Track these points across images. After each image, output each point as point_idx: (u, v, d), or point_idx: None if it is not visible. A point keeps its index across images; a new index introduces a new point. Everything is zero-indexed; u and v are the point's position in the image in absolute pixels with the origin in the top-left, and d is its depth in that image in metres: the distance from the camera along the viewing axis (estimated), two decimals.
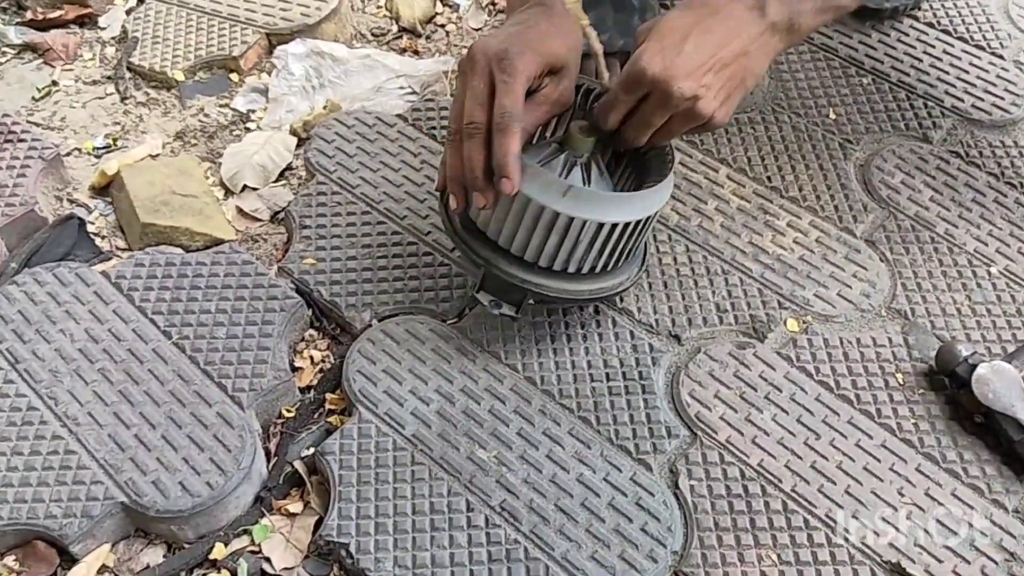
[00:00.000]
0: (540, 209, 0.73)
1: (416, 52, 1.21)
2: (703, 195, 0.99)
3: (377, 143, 1.04)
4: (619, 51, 1.03)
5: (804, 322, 0.90)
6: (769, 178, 1.01)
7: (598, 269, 0.79)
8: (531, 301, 0.78)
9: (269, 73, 1.17)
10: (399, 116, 1.06)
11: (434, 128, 1.05)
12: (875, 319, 0.90)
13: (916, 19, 1.17)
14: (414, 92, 1.15)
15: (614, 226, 0.75)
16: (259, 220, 1.02)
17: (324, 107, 1.11)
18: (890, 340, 0.89)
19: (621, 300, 0.90)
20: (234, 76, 1.16)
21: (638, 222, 0.76)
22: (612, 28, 1.02)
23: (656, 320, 0.90)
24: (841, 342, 0.88)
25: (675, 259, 0.94)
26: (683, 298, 0.91)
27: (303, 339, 0.91)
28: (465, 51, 0.73)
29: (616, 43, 1.02)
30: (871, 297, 0.92)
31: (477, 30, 1.23)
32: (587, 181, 0.77)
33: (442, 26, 1.24)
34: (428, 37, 1.23)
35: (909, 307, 0.91)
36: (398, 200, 0.98)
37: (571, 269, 0.77)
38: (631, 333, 0.89)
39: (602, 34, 1.01)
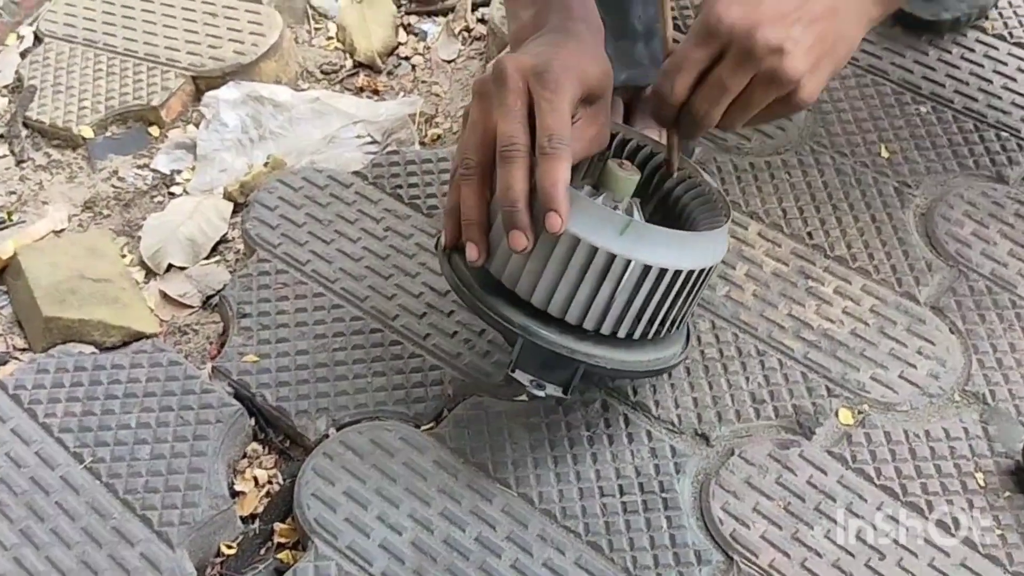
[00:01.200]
0: (591, 252, 0.74)
1: (376, 92, 1.25)
2: (730, 258, 1.01)
3: (331, 208, 1.06)
4: (621, 86, 1.07)
5: (859, 412, 0.92)
6: (810, 234, 1.04)
7: (651, 333, 0.80)
8: (579, 379, 0.79)
9: (197, 125, 1.20)
10: (356, 174, 1.09)
11: (399, 187, 1.08)
12: (947, 406, 0.92)
13: (983, 31, 1.21)
14: (374, 142, 1.18)
15: (678, 274, 0.77)
16: (188, 307, 1.05)
17: (265, 164, 1.14)
18: (966, 431, 0.91)
19: (635, 392, 0.92)
20: (154, 130, 1.19)
21: (703, 272, 0.79)
22: (612, 59, 1.06)
23: (678, 416, 0.91)
24: (906, 436, 0.90)
25: (699, 339, 0.96)
26: (710, 387, 0.93)
27: (245, 456, 0.93)
28: (490, 67, 0.76)
29: (618, 76, 1.06)
30: (940, 378, 0.94)
31: (449, 62, 1.28)
32: None
33: (406, 59, 1.29)
34: (390, 73, 1.27)
35: (988, 389, 0.93)
36: (357, 278, 1.01)
37: (621, 332, 0.79)
38: (648, 434, 0.90)
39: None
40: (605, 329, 0.78)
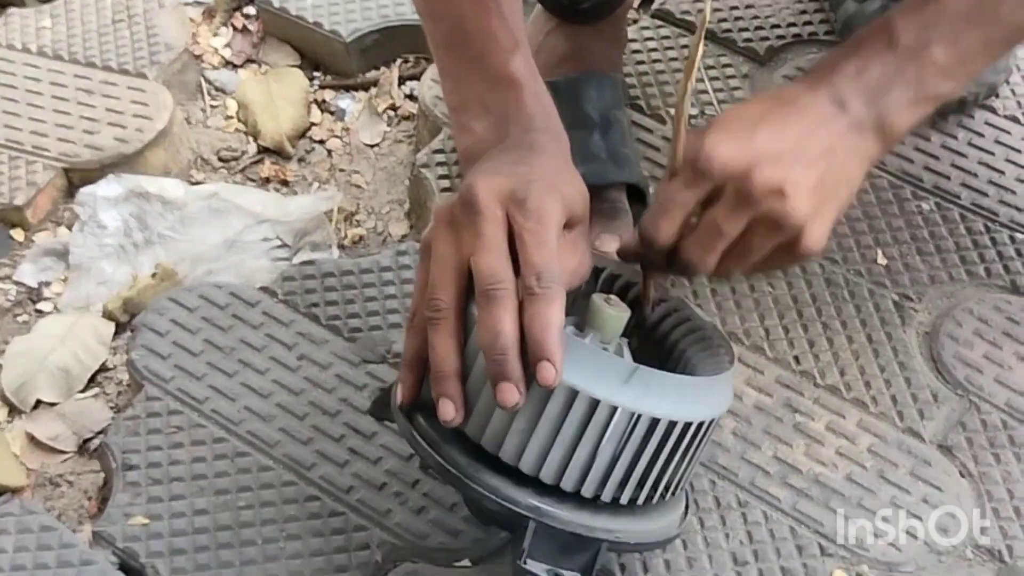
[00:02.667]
0: (592, 405, 0.77)
1: (285, 183, 1.29)
2: None
3: (233, 333, 1.10)
4: None
5: (858, 574, 0.96)
6: (797, 358, 1.08)
7: (656, 497, 0.83)
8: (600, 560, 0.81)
9: (70, 227, 1.22)
10: (264, 290, 1.13)
11: (315, 306, 1.11)
12: (958, 564, 0.96)
13: (993, 111, 1.27)
14: (284, 245, 1.22)
15: (688, 428, 0.80)
16: (61, 452, 1.07)
17: (153, 276, 1.17)
18: None
19: (620, 556, 0.95)
20: (18, 233, 1.22)
21: (712, 423, 0.83)
22: None
23: None
24: None
25: None
26: (684, 547, 0.96)
27: None
28: (458, 193, 0.79)
29: None
30: (950, 532, 0.98)
31: (372, 146, 1.33)
32: None
33: (321, 142, 1.33)
34: (301, 159, 1.32)
35: (1005, 544, 0.97)
36: (266, 419, 1.04)
37: (623, 498, 0.82)
38: None
39: None
40: (605, 495, 0.82)
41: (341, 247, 1.22)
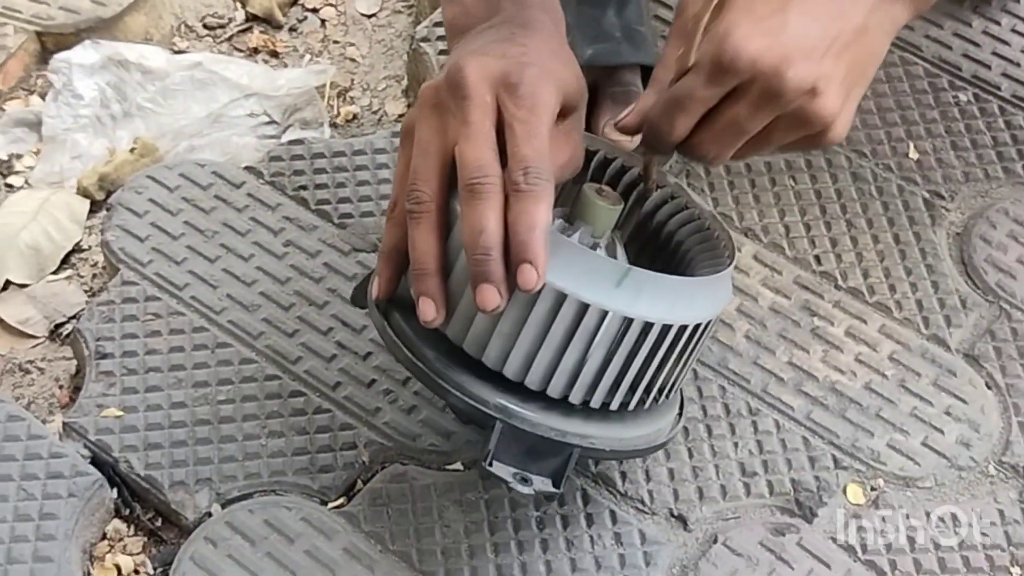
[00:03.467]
0: (581, 309, 0.76)
1: (274, 54, 1.26)
2: None
3: (216, 215, 1.07)
4: (585, 66, 1.09)
5: (872, 489, 0.95)
6: (818, 258, 1.06)
7: (648, 402, 0.83)
8: (574, 464, 0.81)
9: (43, 96, 1.20)
10: (250, 170, 1.11)
11: (303, 188, 1.09)
12: (979, 481, 0.95)
13: None
14: (272, 121, 1.19)
15: (683, 331, 0.79)
16: (32, 338, 1.06)
17: (131, 151, 1.15)
18: (1002, 514, 0.93)
19: (596, 464, 0.95)
20: None
21: (708, 324, 0.82)
22: (573, 30, 1.08)
23: (650, 493, 0.94)
24: (928, 519, 0.93)
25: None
26: (690, 456, 0.96)
27: (105, 537, 0.94)
28: (444, 71, 0.77)
29: (582, 51, 1.08)
30: (973, 447, 0.97)
31: (369, 16, 1.29)
32: None
33: (314, 11, 1.29)
34: (293, 29, 1.28)
35: None
36: (250, 308, 1.02)
37: (614, 404, 0.81)
38: (612, 515, 0.92)
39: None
40: (595, 402, 0.80)
41: (333, 126, 1.19)
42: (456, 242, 0.77)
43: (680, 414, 0.89)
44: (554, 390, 0.79)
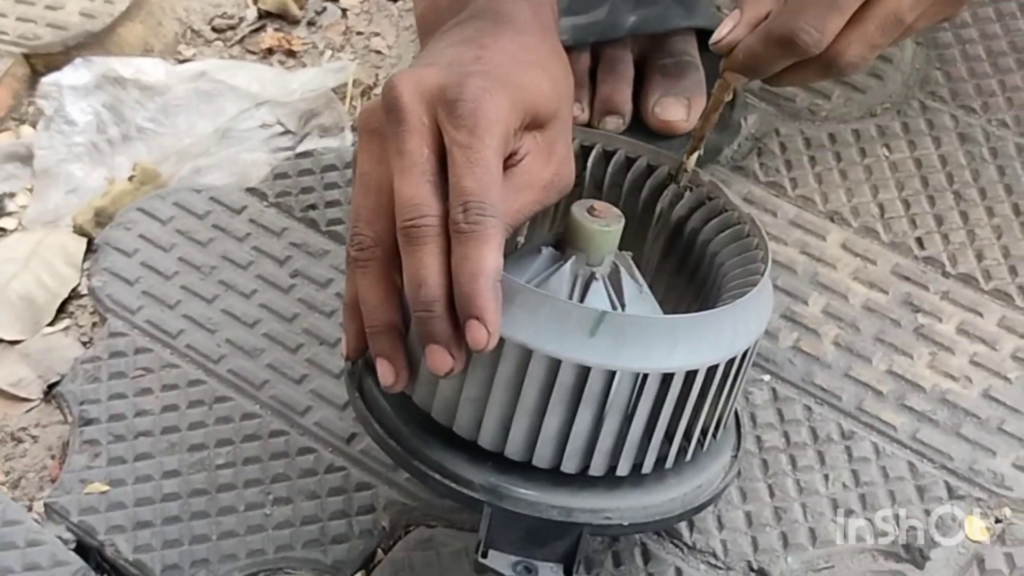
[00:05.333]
0: (552, 366, 0.70)
1: (291, 53, 1.20)
2: (800, 287, 0.96)
3: (214, 248, 1.03)
4: (629, 35, 1.02)
5: (997, 521, 0.87)
6: (920, 241, 1.00)
7: (669, 460, 0.77)
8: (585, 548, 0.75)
9: (34, 125, 1.16)
10: (252, 192, 1.06)
11: (312, 208, 1.04)
12: None
13: None
14: (287, 131, 1.14)
15: (693, 376, 0.73)
16: (27, 401, 1.00)
17: (130, 179, 1.10)
18: None
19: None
20: None
21: (730, 363, 0.75)
22: None
23: (723, 544, 0.86)
24: None
25: (753, 418, 0.91)
26: (770, 495, 0.88)
27: None
28: (379, 91, 0.72)
29: (623, 19, 1.01)
30: None
31: (396, 0, 1.22)
32: (618, 304, 0.77)
33: (334, 0, 1.24)
34: (311, 23, 1.23)
35: None
36: (252, 354, 0.97)
37: (621, 469, 0.75)
38: (678, 573, 0.85)
39: (593, 8, 0.99)
40: (595, 468, 0.74)
41: (355, 130, 1.12)
42: None
43: (736, 455, 0.82)
44: (540, 460, 0.73)
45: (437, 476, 0.73)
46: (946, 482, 0.88)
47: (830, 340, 0.94)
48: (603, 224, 0.75)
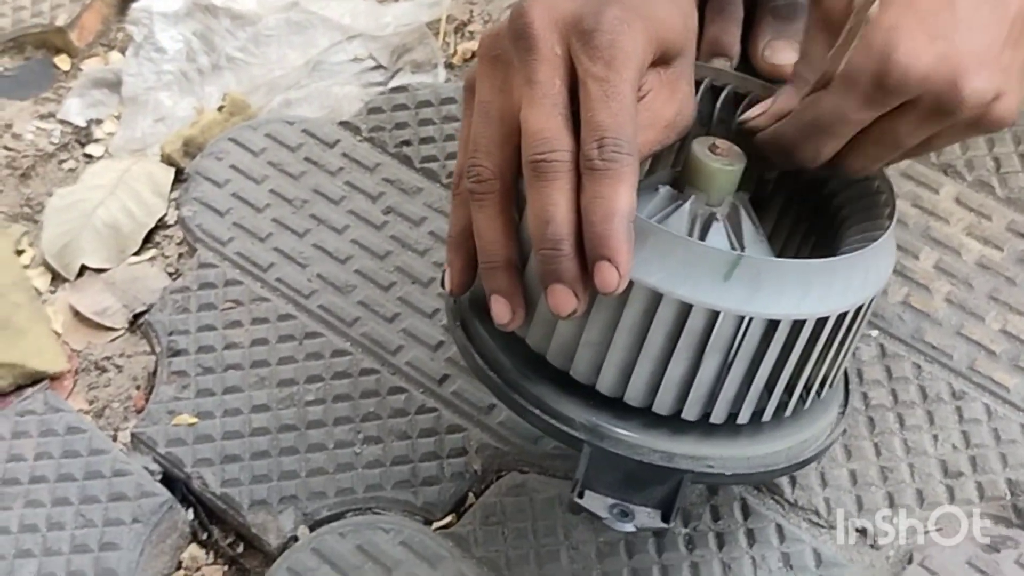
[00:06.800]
0: (682, 311, 0.68)
1: None
2: (911, 241, 0.96)
3: (306, 180, 1.02)
4: None
5: None
6: None
7: (788, 410, 0.75)
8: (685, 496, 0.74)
9: (123, 52, 1.16)
10: (345, 125, 1.05)
11: (406, 144, 1.03)
12: None
13: None
14: (379, 66, 1.13)
15: (822, 323, 0.72)
16: (110, 330, 1.00)
17: (220, 108, 1.10)
18: None
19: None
20: (63, 61, 1.17)
21: (858, 310, 0.73)
22: None
23: (826, 502, 0.85)
24: None
25: (860, 375, 0.90)
26: (877, 454, 0.87)
27: (180, 567, 0.88)
28: (508, 18, 0.69)
29: None
30: None
31: None
32: (737, 245, 0.75)
33: None
34: None
35: None
36: (343, 290, 0.96)
37: (742, 417, 0.74)
38: (779, 530, 0.84)
39: None
40: (716, 416, 0.72)
41: (449, 67, 1.12)
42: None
43: (844, 412, 0.80)
44: (661, 407, 0.71)
45: (537, 411, 0.72)
46: None
47: (942, 297, 0.92)
48: (726, 163, 0.73)
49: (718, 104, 0.80)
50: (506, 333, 0.71)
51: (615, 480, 0.72)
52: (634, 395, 0.71)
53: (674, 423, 0.72)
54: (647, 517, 0.72)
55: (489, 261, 0.69)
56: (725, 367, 0.70)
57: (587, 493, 0.71)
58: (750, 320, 0.68)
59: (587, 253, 0.66)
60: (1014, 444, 0.86)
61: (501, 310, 0.70)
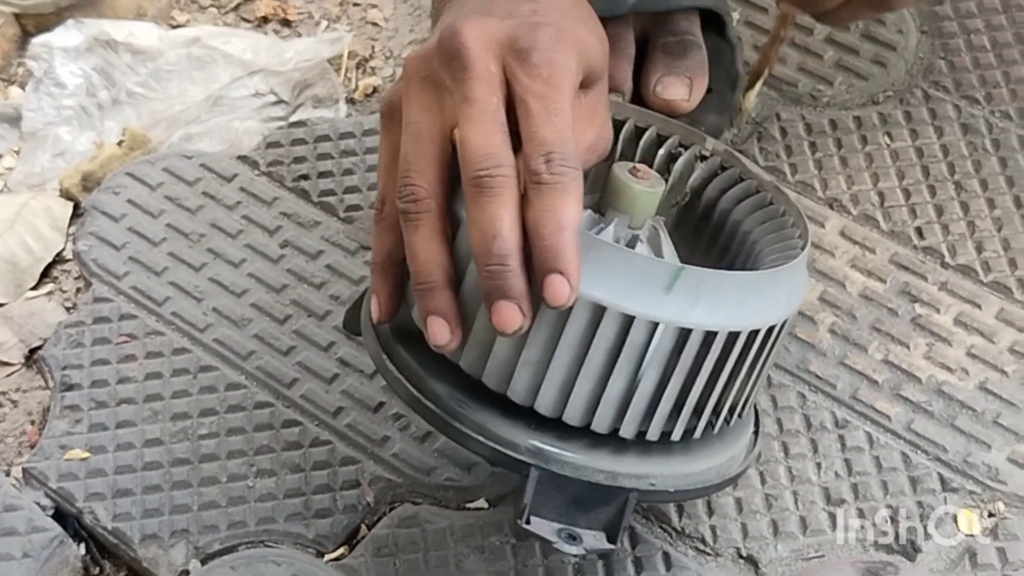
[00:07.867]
0: (625, 324, 0.69)
1: (286, 22, 1.20)
2: None
3: (203, 214, 1.02)
4: (634, 11, 0.99)
5: (990, 514, 0.87)
6: (920, 231, 1.00)
7: (716, 426, 0.77)
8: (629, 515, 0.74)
9: (23, 87, 1.16)
10: (243, 160, 1.06)
11: (304, 178, 1.04)
12: None
13: None
14: (281, 101, 1.14)
15: (754, 336, 0.73)
16: (8, 365, 1.00)
17: (119, 143, 1.10)
18: None
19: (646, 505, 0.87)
20: None
21: (784, 325, 0.75)
22: None
23: (712, 530, 0.86)
24: None
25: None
26: (761, 482, 0.88)
27: None
28: (436, 39, 0.69)
29: None
30: None
31: None
32: None
33: None
34: None
35: None
36: (239, 323, 0.96)
37: (675, 433, 0.75)
38: (665, 558, 0.85)
39: None
40: (652, 433, 0.73)
41: (350, 101, 1.13)
42: (464, 248, 0.69)
43: (756, 434, 0.82)
44: (600, 424, 0.72)
45: (480, 438, 0.72)
46: (940, 474, 0.87)
47: (826, 328, 0.94)
48: (647, 185, 0.75)
49: (620, 137, 0.82)
50: (436, 360, 0.72)
51: (562, 503, 0.72)
52: (573, 414, 0.71)
53: (613, 442, 0.73)
54: (593, 539, 0.72)
55: (426, 282, 0.69)
56: (663, 381, 0.71)
57: (533, 519, 0.71)
58: (688, 332, 0.69)
59: (536, 267, 0.66)
60: (895, 472, 0.87)
61: (440, 331, 0.69)
